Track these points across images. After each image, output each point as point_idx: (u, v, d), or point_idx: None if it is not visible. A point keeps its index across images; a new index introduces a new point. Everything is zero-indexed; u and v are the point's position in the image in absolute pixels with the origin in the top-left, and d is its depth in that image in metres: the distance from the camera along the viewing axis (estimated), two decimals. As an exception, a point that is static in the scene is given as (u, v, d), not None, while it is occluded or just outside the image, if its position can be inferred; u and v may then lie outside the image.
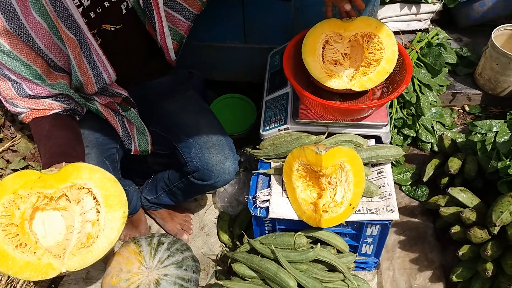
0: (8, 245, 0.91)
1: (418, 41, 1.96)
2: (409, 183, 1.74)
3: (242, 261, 1.39)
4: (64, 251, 0.95)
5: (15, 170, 1.37)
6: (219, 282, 1.37)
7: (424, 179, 1.65)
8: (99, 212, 0.99)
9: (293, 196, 1.31)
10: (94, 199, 1.00)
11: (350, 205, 1.25)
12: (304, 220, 1.29)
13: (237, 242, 1.62)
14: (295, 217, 1.31)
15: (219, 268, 1.60)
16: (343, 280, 1.37)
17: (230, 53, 1.85)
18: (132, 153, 1.40)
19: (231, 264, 1.40)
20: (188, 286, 1.41)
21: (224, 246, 1.66)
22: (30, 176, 0.95)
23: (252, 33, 1.77)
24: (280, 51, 1.69)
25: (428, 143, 1.81)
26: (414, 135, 1.81)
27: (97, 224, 0.98)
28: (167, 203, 1.60)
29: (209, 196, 1.83)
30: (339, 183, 1.27)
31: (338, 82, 1.34)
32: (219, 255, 1.64)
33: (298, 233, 1.35)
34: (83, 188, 1.00)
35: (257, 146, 1.50)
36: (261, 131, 1.50)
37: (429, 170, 1.66)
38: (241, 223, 1.66)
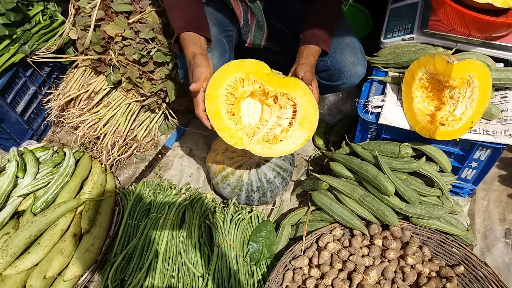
0: (223, 108, 1.12)
1: None
2: (520, 122, 1.65)
3: (341, 161, 1.42)
4: (253, 135, 1.15)
5: (144, 39, 1.46)
6: (316, 175, 1.42)
7: (540, 119, 1.56)
8: (290, 125, 1.16)
9: (409, 105, 1.30)
10: (293, 112, 1.17)
11: (472, 122, 1.22)
12: (417, 130, 1.28)
13: (332, 148, 1.66)
14: (407, 127, 1.30)
15: (311, 168, 1.67)
16: (438, 197, 1.38)
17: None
18: (246, 45, 1.44)
19: (329, 163, 1.44)
20: (284, 175, 1.49)
21: (318, 150, 1.71)
22: (262, 69, 1.13)
23: None
24: (413, -41, 1.58)
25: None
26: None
27: (285, 132, 1.16)
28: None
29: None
30: (462, 98, 1.23)
31: (482, -7, 1.24)
32: (312, 156, 1.70)
33: (404, 143, 1.35)
34: (291, 100, 1.16)
35: (374, 54, 1.46)
36: (381, 38, 1.46)
37: (547, 111, 1.56)
38: (338, 131, 1.69)
